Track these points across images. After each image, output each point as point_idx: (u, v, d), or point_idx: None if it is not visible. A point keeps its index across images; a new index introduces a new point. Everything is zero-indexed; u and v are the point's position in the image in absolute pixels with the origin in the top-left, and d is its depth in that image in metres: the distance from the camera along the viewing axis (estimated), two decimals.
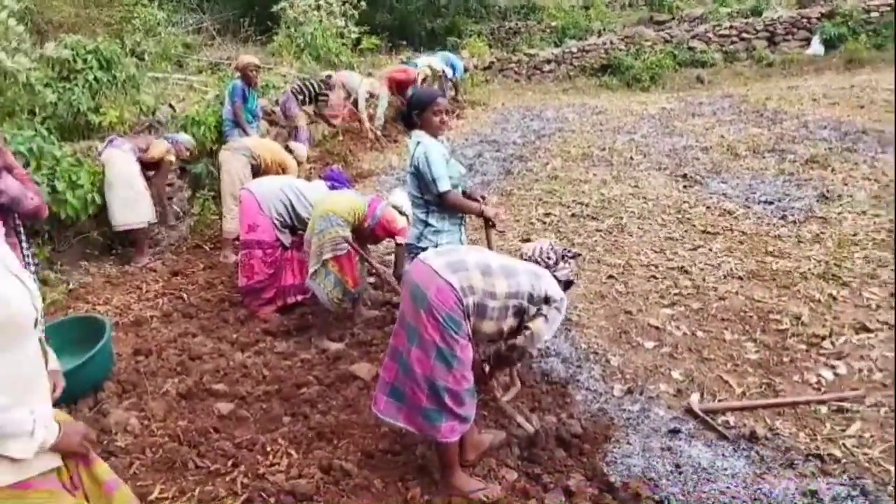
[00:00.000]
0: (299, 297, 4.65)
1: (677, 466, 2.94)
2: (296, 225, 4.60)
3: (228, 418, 3.37)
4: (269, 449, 3.10)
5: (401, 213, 4.18)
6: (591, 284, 4.82)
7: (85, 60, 6.62)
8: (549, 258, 2.90)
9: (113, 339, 3.80)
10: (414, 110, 3.44)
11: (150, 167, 5.73)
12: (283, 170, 5.69)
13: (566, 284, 2.94)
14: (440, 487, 2.80)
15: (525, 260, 2.93)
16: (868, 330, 3.89)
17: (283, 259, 4.61)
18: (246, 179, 5.47)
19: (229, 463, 3.00)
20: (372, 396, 3.34)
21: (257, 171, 5.61)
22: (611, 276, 4.92)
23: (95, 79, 6.64)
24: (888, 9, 13.38)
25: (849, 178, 6.36)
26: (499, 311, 2.64)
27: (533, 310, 2.70)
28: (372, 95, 9.45)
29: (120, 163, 5.38)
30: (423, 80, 10.08)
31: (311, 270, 4.14)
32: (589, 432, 3.21)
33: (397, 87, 9.75)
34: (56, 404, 3.28)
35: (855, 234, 5.16)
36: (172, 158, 5.90)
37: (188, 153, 6.18)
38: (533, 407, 3.43)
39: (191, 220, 6.42)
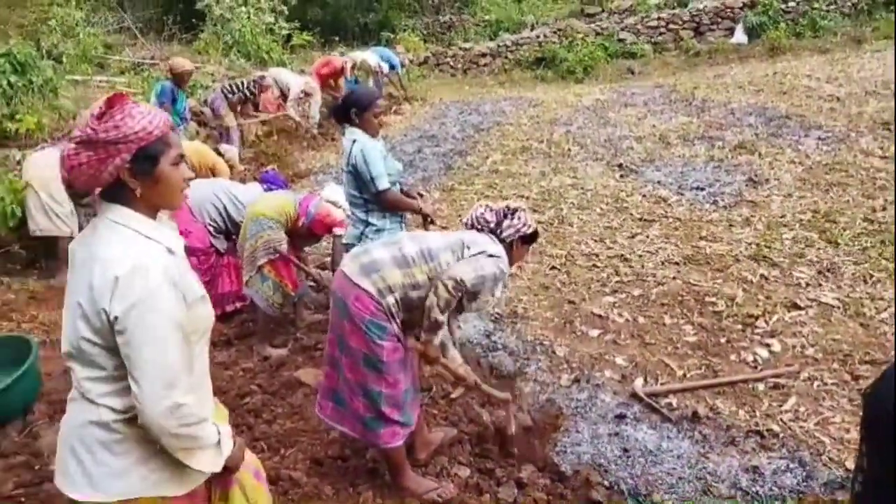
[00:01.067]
0: (238, 304, 4.51)
1: (625, 451, 3.00)
2: (230, 230, 4.45)
3: None
4: None
5: (336, 206, 4.10)
6: (534, 276, 4.86)
7: None
8: (487, 221, 2.73)
9: (41, 359, 3.59)
10: (352, 108, 3.39)
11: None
12: (213, 173, 5.49)
13: (529, 237, 2.79)
14: (392, 491, 2.76)
15: (468, 229, 2.79)
16: (798, 307, 4.06)
17: (218, 265, 4.46)
18: None
19: None
20: (317, 402, 3.28)
21: None
22: (553, 268, 4.97)
23: (9, 84, 6.28)
24: None
25: (775, 162, 6.62)
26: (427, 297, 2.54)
27: None
28: (307, 94, 9.27)
29: (41, 167, 5.08)
30: (353, 67, 9.92)
31: (245, 277, 4.02)
32: (538, 423, 3.23)
33: (326, 80, 9.59)
34: None
35: (783, 216, 5.38)
36: None
37: None
38: (483, 402, 3.43)
39: None
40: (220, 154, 5.88)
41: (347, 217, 3.83)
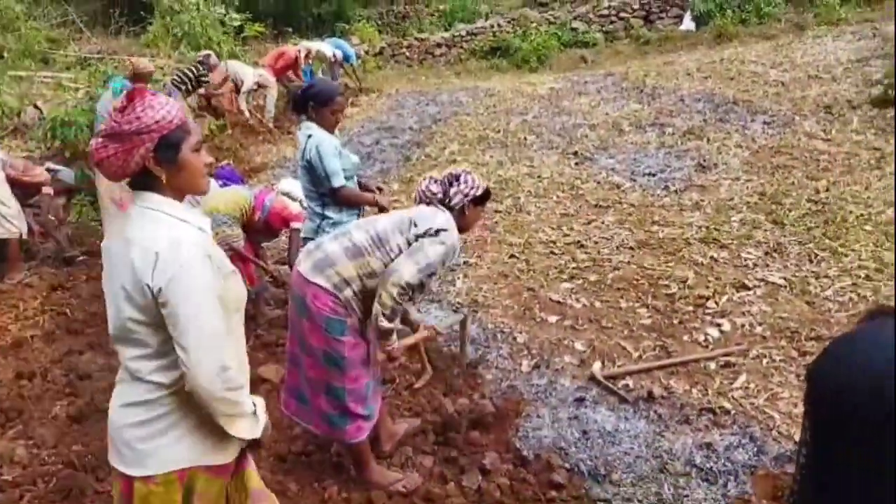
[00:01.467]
0: None
1: (584, 433, 3.08)
2: None
3: None
4: None
5: (292, 199, 4.07)
6: (493, 265, 4.92)
7: None
8: (434, 193, 2.69)
9: None
10: (310, 102, 3.36)
11: (23, 191, 5.25)
12: None
13: (479, 198, 2.73)
14: (357, 484, 2.78)
15: (418, 204, 2.76)
16: (747, 288, 4.21)
17: None
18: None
19: None
20: (282, 399, 3.27)
21: None
22: (512, 256, 5.03)
23: None
24: None
25: (722, 147, 6.80)
26: None
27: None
28: (261, 86, 9.11)
29: None
30: (307, 55, 9.79)
31: None
32: (500, 409, 3.29)
33: (282, 73, 9.45)
34: None
35: (731, 199, 5.55)
36: (51, 192, 5.43)
37: (66, 191, 5.70)
38: (445, 391, 3.47)
39: (68, 228, 5.97)
40: None
41: (304, 210, 3.80)
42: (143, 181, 1.62)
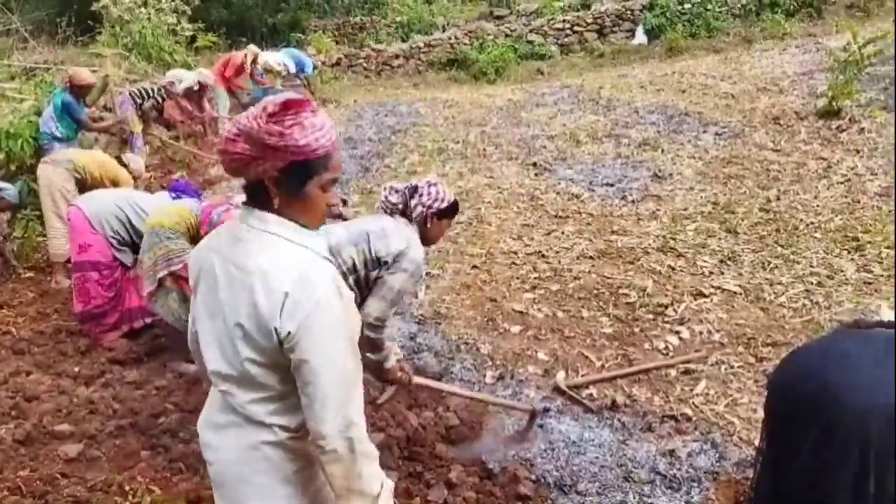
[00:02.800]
0: (148, 320, 4.30)
1: (550, 444, 3.08)
2: (136, 241, 4.24)
3: (78, 460, 3.05)
4: (127, 488, 2.84)
5: None
6: (456, 276, 4.90)
7: None
8: (394, 204, 2.62)
9: None
10: None
11: None
12: (114, 184, 5.18)
13: (444, 211, 2.63)
14: None
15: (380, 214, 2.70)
16: (704, 295, 4.29)
17: (123, 280, 4.25)
18: (69, 194, 4.97)
19: None
20: None
21: (83, 185, 5.07)
22: (474, 267, 5.03)
23: None
24: (698, 0, 14.81)
25: (676, 157, 6.96)
26: None
27: (373, 274, 2.53)
28: (202, 86, 8.76)
29: None
30: (254, 60, 9.56)
31: (146, 292, 3.85)
32: (465, 422, 3.26)
33: (231, 81, 9.26)
34: None
35: (686, 209, 5.67)
36: None
37: (10, 208, 5.47)
38: (410, 405, 3.43)
39: (13, 244, 5.73)
40: (123, 164, 5.54)
41: None
42: (257, 190, 1.45)
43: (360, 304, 2.61)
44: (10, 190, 5.32)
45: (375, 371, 2.63)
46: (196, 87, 8.26)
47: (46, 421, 3.34)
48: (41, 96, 7.38)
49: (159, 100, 7.81)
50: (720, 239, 5.06)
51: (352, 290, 2.36)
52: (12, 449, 3.14)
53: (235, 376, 1.46)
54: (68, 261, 4.73)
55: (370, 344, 2.47)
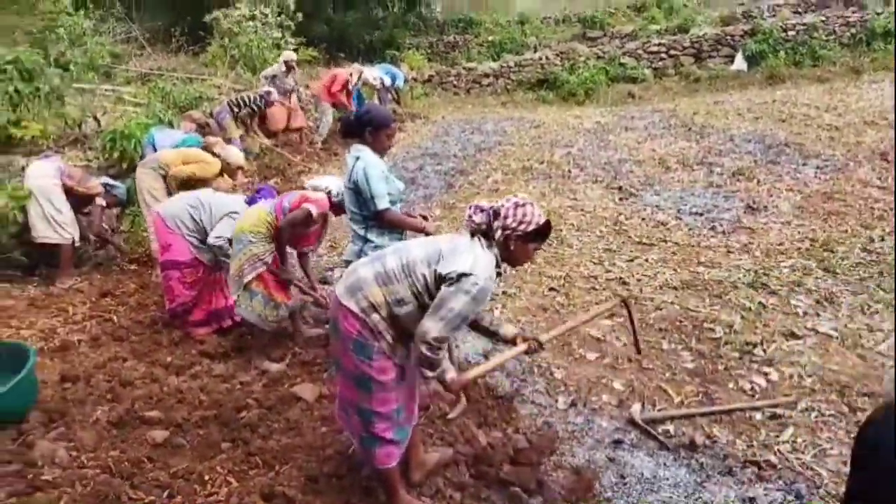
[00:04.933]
0: (236, 319, 4.51)
1: (622, 477, 2.99)
2: None
3: (163, 447, 3.22)
4: (207, 478, 2.97)
5: (317, 189, 4.07)
6: (532, 297, 4.87)
7: (4, 71, 6.29)
8: (477, 224, 2.52)
9: (37, 366, 3.59)
10: (367, 127, 3.40)
11: (78, 200, 5.43)
12: (194, 172, 5.33)
13: (531, 234, 2.50)
14: None
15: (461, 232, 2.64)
16: (797, 336, 4.07)
17: (211, 281, 4.46)
18: (157, 192, 5.28)
19: (165, 494, 2.86)
20: (316, 417, 3.28)
21: (182, 183, 5.36)
22: (552, 289, 4.98)
23: (16, 90, 6.31)
24: (803, 27, 14.19)
25: (773, 189, 6.67)
26: (417, 310, 2.46)
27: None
28: (288, 66, 9.38)
29: (40, 175, 5.12)
30: (359, 78, 9.96)
31: (233, 297, 4.02)
32: (535, 446, 3.22)
33: (334, 95, 9.64)
34: None
35: (781, 244, 5.41)
36: (103, 203, 5.61)
37: (117, 206, 5.87)
38: (479, 423, 3.42)
39: (120, 237, 6.15)
40: (216, 156, 5.67)
41: (329, 196, 3.91)
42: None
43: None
44: (121, 188, 5.72)
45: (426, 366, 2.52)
46: (283, 69, 8.75)
47: (138, 406, 3.55)
48: (153, 100, 7.93)
49: (255, 108, 8.25)
50: (817, 278, 4.79)
51: (424, 309, 2.40)
52: (106, 430, 3.35)
53: None
54: None
55: (427, 362, 2.43)
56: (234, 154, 5.69)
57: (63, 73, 7.87)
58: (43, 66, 6.85)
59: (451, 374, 2.50)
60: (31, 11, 9.47)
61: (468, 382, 2.70)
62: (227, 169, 5.54)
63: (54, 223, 5.16)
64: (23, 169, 5.21)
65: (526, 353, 2.71)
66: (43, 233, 5.16)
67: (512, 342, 2.70)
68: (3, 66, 6.32)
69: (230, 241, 4.16)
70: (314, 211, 3.95)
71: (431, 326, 2.35)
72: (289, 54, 9.87)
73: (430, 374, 2.46)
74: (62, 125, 6.77)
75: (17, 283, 5.28)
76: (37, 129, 6.09)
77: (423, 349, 2.37)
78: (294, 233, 4.12)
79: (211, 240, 4.25)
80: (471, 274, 2.35)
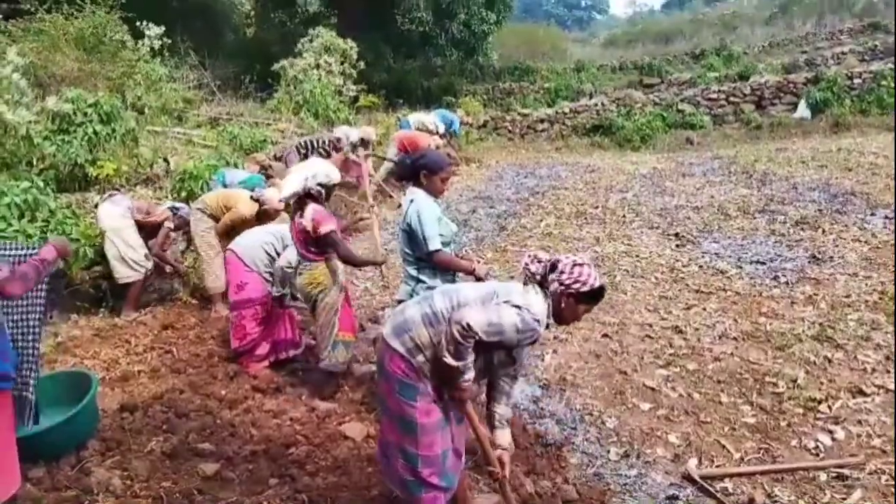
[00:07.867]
0: (292, 353, 4.59)
1: None
2: None
3: (213, 479, 3.27)
4: None
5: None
6: (585, 343, 4.79)
7: (85, 114, 6.72)
8: (532, 273, 2.53)
9: (99, 395, 3.72)
10: (423, 170, 3.46)
11: (149, 231, 5.70)
12: (226, 208, 5.51)
13: (584, 295, 2.51)
14: None
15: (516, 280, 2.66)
16: (864, 394, 3.86)
17: (278, 313, 4.56)
18: (205, 233, 5.52)
19: None
20: (363, 456, 3.27)
21: (214, 218, 5.56)
22: (605, 335, 4.89)
23: (94, 132, 6.72)
24: (869, 75, 13.83)
25: (839, 239, 6.42)
26: None
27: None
28: (364, 142, 9.43)
29: (112, 216, 5.39)
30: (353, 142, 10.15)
31: (323, 356, 4.10)
32: (585, 498, 3.12)
33: (404, 148, 9.80)
34: (36, 462, 3.17)
35: (847, 296, 5.18)
36: (171, 226, 5.87)
37: (185, 226, 6.12)
38: (527, 470, 3.35)
39: (183, 265, 6.38)
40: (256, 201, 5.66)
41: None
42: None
43: (506, 364, 2.60)
44: (185, 209, 5.95)
45: (449, 378, 2.46)
46: (358, 143, 8.96)
47: (192, 438, 3.62)
48: (221, 143, 8.31)
49: (322, 152, 8.53)
50: (887, 333, 4.55)
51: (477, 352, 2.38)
52: (159, 461, 3.43)
53: None
54: (225, 293, 5.16)
55: (454, 343, 2.34)
56: (272, 196, 5.57)
57: (138, 116, 8.37)
58: (120, 110, 7.28)
59: (469, 375, 2.42)
60: (112, 59, 10.13)
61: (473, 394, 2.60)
62: (266, 211, 5.58)
63: (130, 261, 5.40)
64: (95, 206, 5.50)
65: (490, 475, 2.70)
66: (124, 274, 5.42)
67: (492, 445, 2.63)
68: (84, 109, 6.75)
69: (295, 269, 4.22)
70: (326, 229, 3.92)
71: (472, 314, 2.32)
72: (368, 131, 9.76)
73: (452, 361, 2.36)
74: (135, 165, 7.14)
75: (85, 314, 5.52)
76: (111, 167, 6.45)
77: (454, 329, 2.31)
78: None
79: (278, 265, 4.36)
80: (528, 309, 2.38)
